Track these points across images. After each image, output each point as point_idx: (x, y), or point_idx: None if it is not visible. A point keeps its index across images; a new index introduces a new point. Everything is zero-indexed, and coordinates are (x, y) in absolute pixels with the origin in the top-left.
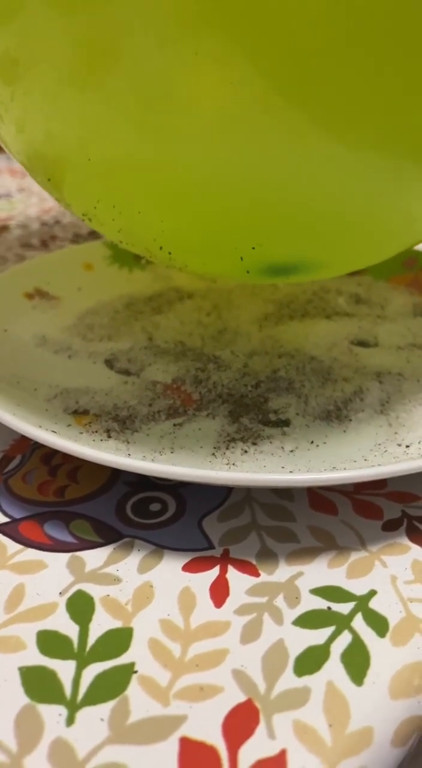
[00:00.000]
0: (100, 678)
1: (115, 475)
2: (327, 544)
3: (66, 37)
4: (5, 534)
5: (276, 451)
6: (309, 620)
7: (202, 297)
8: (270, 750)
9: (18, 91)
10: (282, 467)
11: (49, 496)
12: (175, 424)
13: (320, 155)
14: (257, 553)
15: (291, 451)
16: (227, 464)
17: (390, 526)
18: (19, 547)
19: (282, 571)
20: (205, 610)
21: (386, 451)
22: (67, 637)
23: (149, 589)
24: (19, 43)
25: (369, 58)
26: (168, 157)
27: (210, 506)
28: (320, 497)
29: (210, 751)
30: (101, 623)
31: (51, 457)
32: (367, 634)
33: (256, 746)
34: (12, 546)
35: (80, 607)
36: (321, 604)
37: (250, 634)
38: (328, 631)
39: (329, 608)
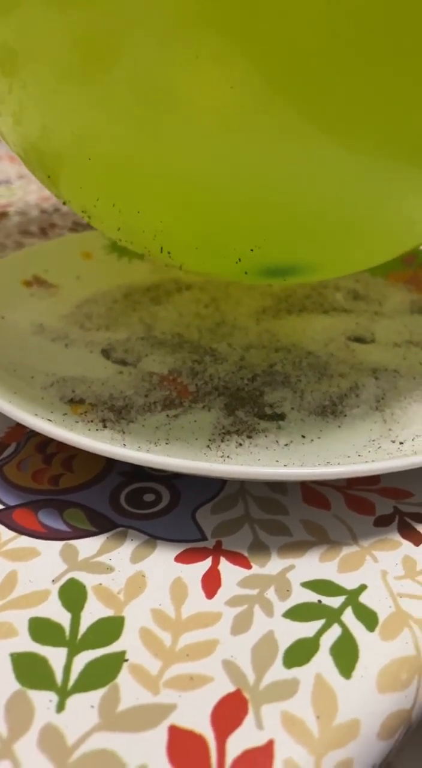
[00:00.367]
0: (90, 665)
1: (110, 464)
2: (319, 538)
3: (65, 33)
4: None
5: (271, 444)
6: (299, 613)
7: (201, 289)
8: (258, 740)
9: (16, 84)
10: (277, 461)
11: (44, 484)
12: (170, 416)
13: (320, 157)
14: (249, 545)
15: (286, 445)
16: (222, 457)
17: (382, 522)
18: (12, 534)
19: (274, 564)
20: (196, 600)
21: (380, 447)
22: (59, 625)
23: (141, 579)
24: (18, 36)
25: (370, 60)
26: (167, 158)
27: (204, 498)
28: (313, 491)
29: (198, 740)
30: (93, 611)
31: (46, 445)
32: (357, 627)
33: (244, 736)
34: (5, 533)
35: (72, 595)
36: (311, 597)
37: (241, 625)
38: (318, 624)
39: (319, 601)
